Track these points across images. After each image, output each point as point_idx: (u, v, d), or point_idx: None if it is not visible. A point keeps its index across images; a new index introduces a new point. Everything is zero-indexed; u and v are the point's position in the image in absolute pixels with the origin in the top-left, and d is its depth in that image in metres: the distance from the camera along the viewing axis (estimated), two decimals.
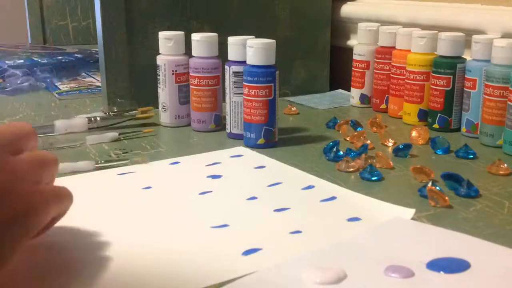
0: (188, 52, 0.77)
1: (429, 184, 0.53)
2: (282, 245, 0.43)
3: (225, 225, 0.46)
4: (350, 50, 0.94)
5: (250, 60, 0.67)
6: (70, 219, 0.45)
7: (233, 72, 0.71)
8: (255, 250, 0.42)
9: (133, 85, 0.85)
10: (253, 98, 0.67)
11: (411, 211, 0.48)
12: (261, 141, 0.68)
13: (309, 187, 0.55)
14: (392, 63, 0.83)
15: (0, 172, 0.35)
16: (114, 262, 0.40)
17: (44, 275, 0.38)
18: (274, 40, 0.68)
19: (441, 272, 0.38)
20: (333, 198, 0.52)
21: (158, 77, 0.78)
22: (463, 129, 0.74)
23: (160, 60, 0.77)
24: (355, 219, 0.47)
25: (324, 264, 0.39)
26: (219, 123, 0.76)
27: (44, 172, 0.39)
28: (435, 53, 0.76)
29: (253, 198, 0.52)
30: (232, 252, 0.42)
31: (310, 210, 0.50)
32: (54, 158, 0.41)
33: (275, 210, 0.49)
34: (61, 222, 0.44)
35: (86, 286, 0.37)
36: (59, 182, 0.56)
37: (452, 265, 0.39)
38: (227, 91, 0.72)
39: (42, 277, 0.38)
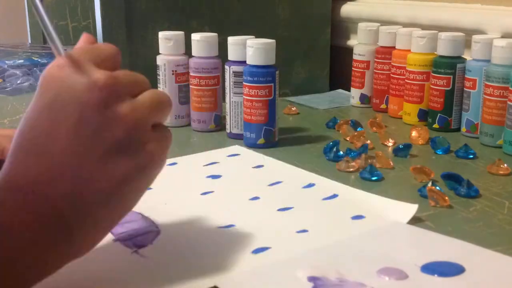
0: (188, 52, 0.77)
1: (429, 184, 0.53)
2: (291, 243, 0.43)
3: (232, 225, 0.46)
4: (350, 50, 0.94)
5: (250, 60, 0.67)
6: None
7: (233, 72, 0.71)
8: (264, 249, 0.42)
9: None
10: (253, 98, 0.67)
11: (414, 207, 0.48)
12: (261, 141, 0.68)
13: (310, 185, 0.55)
14: (392, 63, 0.83)
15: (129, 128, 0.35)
16: (118, 264, 0.40)
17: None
18: (274, 40, 0.68)
19: (435, 276, 0.38)
20: (334, 196, 0.52)
21: (158, 77, 0.78)
22: (463, 129, 0.74)
23: (160, 60, 0.77)
24: (359, 217, 0.47)
25: (320, 264, 0.39)
26: (219, 123, 0.76)
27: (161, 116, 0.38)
28: (435, 53, 0.76)
29: (256, 198, 0.52)
30: (242, 250, 0.42)
31: (313, 209, 0.50)
32: (169, 99, 0.38)
33: (278, 210, 0.50)
34: None
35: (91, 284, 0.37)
36: None
37: (446, 269, 0.39)
38: (227, 91, 0.72)
39: None
